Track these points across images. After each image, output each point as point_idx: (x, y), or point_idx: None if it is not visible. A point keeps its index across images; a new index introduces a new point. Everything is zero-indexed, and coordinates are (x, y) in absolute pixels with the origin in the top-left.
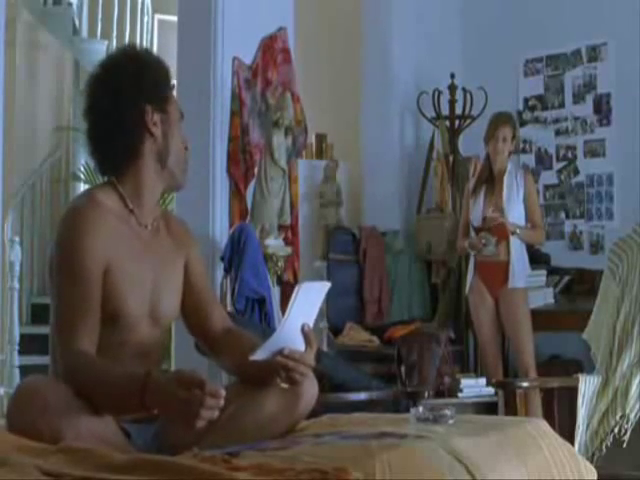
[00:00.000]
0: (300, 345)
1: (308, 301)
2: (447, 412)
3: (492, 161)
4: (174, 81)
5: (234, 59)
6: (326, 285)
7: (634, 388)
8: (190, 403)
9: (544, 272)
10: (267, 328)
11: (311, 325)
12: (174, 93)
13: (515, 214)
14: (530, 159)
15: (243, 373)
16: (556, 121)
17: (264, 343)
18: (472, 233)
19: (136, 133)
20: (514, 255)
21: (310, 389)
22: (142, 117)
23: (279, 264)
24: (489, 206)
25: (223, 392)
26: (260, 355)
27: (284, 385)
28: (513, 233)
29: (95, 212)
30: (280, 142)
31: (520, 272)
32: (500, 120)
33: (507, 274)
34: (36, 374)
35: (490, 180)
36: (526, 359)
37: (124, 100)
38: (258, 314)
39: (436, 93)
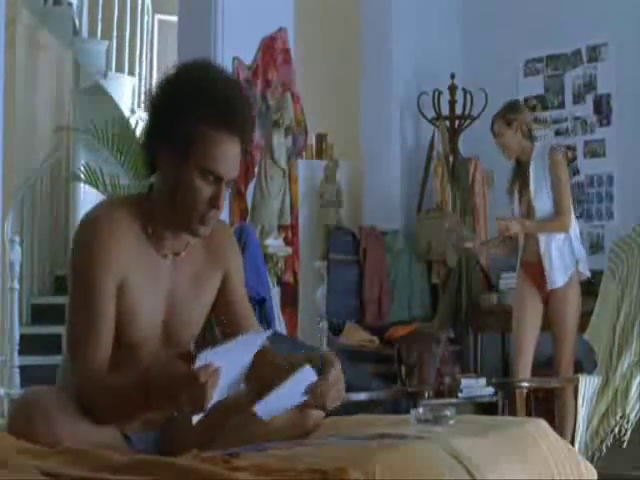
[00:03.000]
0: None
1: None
2: (447, 413)
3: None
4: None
5: (234, 59)
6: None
7: (634, 388)
8: (192, 377)
9: None
10: (267, 328)
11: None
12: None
13: (546, 207)
14: None
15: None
16: (556, 121)
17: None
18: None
19: (151, 155)
20: (544, 254)
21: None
22: (156, 147)
23: (279, 264)
24: (523, 203)
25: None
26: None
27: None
28: (511, 238)
29: (113, 226)
30: (280, 142)
31: (555, 270)
32: (492, 120)
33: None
34: (39, 385)
35: (521, 174)
36: (563, 365)
37: (163, 117)
38: (258, 314)
39: (436, 93)
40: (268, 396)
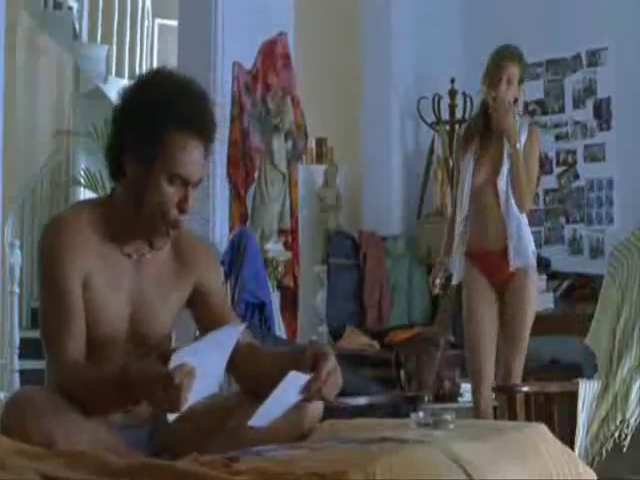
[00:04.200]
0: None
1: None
2: (447, 417)
3: (491, 110)
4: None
5: (234, 64)
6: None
7: (634, 393)
8: (167, 378)
9: (544, 277)
10: (267, 332)
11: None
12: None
13: (507, 187)
14: None
15: (262, 382)
16: (556, 126)
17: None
18: (465, 207)
19: (117, 160)
20: (512, 234)
21: (315, 403)
22: (122, 151)
23: (279, 269)
24: (480, 170)
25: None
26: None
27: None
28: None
29: (76, 225)
30: (280, 146)
31: (522, 250)
32: (505, 55)
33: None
34: (32, 384)
35: (485, 136)
36: (515, 372)
37: (127, 122)
38: (258, 319)
39: (436, 98)
40: (260, 408)
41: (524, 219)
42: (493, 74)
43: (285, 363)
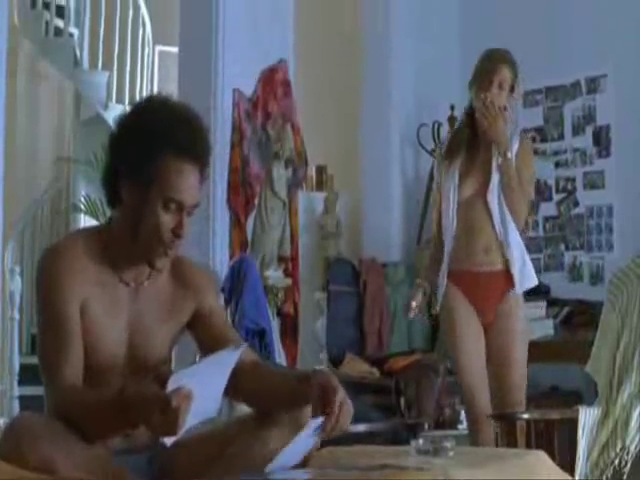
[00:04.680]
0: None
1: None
2: (447, 444)
3: (478, 119)
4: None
5: (234, 91)
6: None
7: (634, 420)
8: (164, 401)
9: (544, 303)
10: (267, 359)
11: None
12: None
13: (497, 202)
14: None
15: (267, 401)
16: (556, 153)
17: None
18: (452, 224)
19: (113, 187)
20: (517, 257)
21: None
22: (118, 178)
23: (279, 295)
24: (466, 183)
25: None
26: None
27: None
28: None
29: (74, 252)
30: (280, 174)
31: (525, 272)
32: (497, 57)
33: (504, 284)
34: (32, 410)
35: (472, 146)
36: (518, 395)
37: (122, 148)
38: (258, 345)
39: (436, 125)
40: (276, 460)
41: (520, 237)
42: (483, 77)
43: (291, 385)
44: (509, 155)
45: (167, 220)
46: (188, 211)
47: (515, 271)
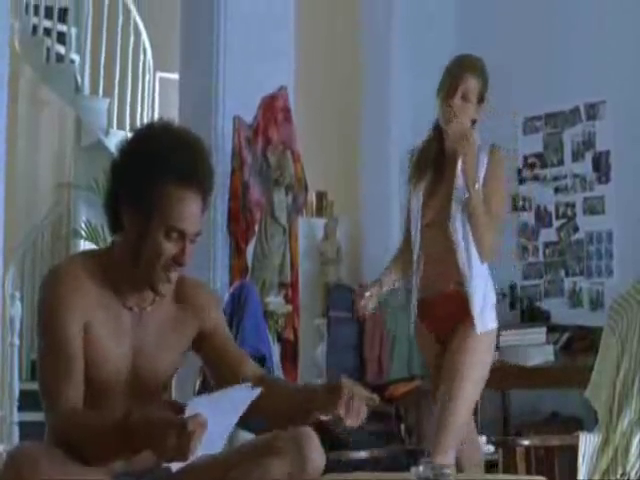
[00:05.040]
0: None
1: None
2: (447, 470)
3: (444, 131)
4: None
5: (235, 118)
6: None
7: (634, 446)
8: (180, 425)
9: (544, 329)
10: None
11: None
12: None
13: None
14: (529, 217)
15: (274, 418)
16: (555, 179)
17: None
18: (416, 250)
19: (115, 214)
20: (478, 296)
21: (318, 454)
22: (119, 204)
23: (279, 322)
24: (430, 203)
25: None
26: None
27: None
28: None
29: (76, 276)
30: (280, 200)
31: (486, 307)
32: (464, 64)
33: (461, 312)
34: (32, 437)
35: (440, 164)
36: (442, 436)
37: (123, 176)
38: None
39: None
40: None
41: (486, 269)
42: (449, 84)
43: (299, 399)
44: (477, 187)
45: (169, 248)
46: (191, 239)
47: (475, 313)
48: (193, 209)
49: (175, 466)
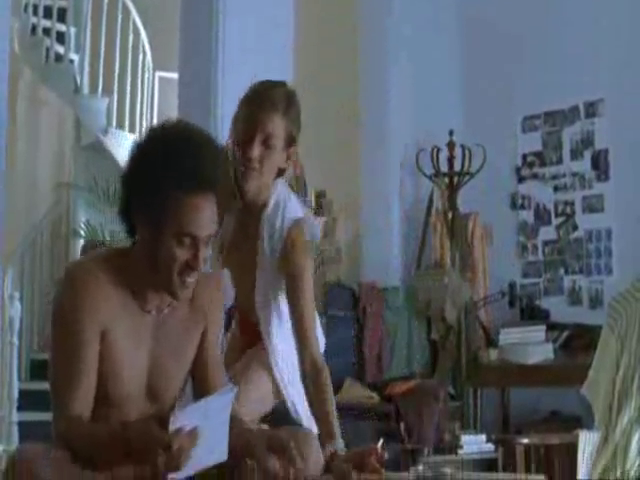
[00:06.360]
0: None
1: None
2: (447, 470)
3: (241, 189)
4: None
5: None
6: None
7: (634, 444)
8: (165, 443)
9: (543, 327)
10: None
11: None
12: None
13: (265, 294)
14: (529, 215)
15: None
16: (554, 177)
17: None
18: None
19: (128, 219)
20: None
21: (317, 454)
22: (132, 210)
23: None
24: (234, 278)
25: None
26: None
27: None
28: None
29: (96, 277)
30: None
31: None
32: (264, 102)
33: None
34: (35, 442)
35: (239, 222)
36: None
37: (133, 183)
38: None
39: (435, 150)
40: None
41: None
42: (244, 128)
43: (240, 442)
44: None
45: (182, 253)
46: (204, 241)
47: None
48: (203, 213)
49: (176, 476)
